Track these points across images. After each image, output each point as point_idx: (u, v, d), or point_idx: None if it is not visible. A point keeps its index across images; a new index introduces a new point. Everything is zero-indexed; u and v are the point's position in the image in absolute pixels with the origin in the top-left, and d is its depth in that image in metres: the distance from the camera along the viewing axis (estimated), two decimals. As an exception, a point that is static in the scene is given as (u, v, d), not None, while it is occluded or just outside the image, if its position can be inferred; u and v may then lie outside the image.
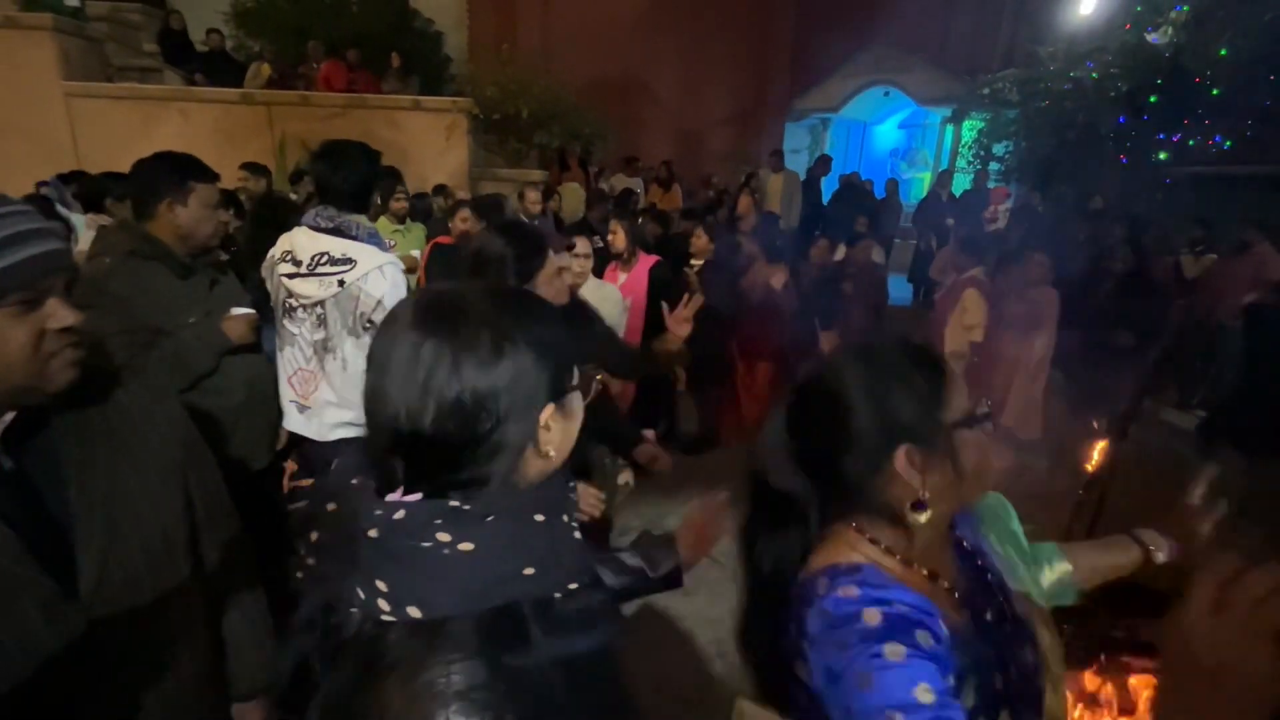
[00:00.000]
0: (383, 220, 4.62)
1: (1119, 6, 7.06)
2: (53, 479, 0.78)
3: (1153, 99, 6.64)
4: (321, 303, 1.88)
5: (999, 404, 4.03)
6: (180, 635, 0.92)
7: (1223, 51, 6.18)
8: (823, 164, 8.86)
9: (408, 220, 4.70)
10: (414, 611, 0.56)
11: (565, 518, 0.65)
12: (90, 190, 4.06)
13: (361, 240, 1.87)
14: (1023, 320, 3.78)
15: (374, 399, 0.59)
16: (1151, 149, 6.75)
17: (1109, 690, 2.02)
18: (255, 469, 2.03)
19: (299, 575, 0.64)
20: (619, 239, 3.06)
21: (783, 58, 11.36)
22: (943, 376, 0.76)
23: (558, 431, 0.63)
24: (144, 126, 6.30)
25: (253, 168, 4.93)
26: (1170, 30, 6.50)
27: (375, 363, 0.60)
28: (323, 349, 1.94)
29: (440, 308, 0.60)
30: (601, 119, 8.58)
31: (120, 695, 0.84)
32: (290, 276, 1.90)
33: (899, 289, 7.50)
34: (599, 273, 3.07)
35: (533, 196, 4.78)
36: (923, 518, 0.73)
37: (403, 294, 1.91)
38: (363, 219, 1.92)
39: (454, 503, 0.58)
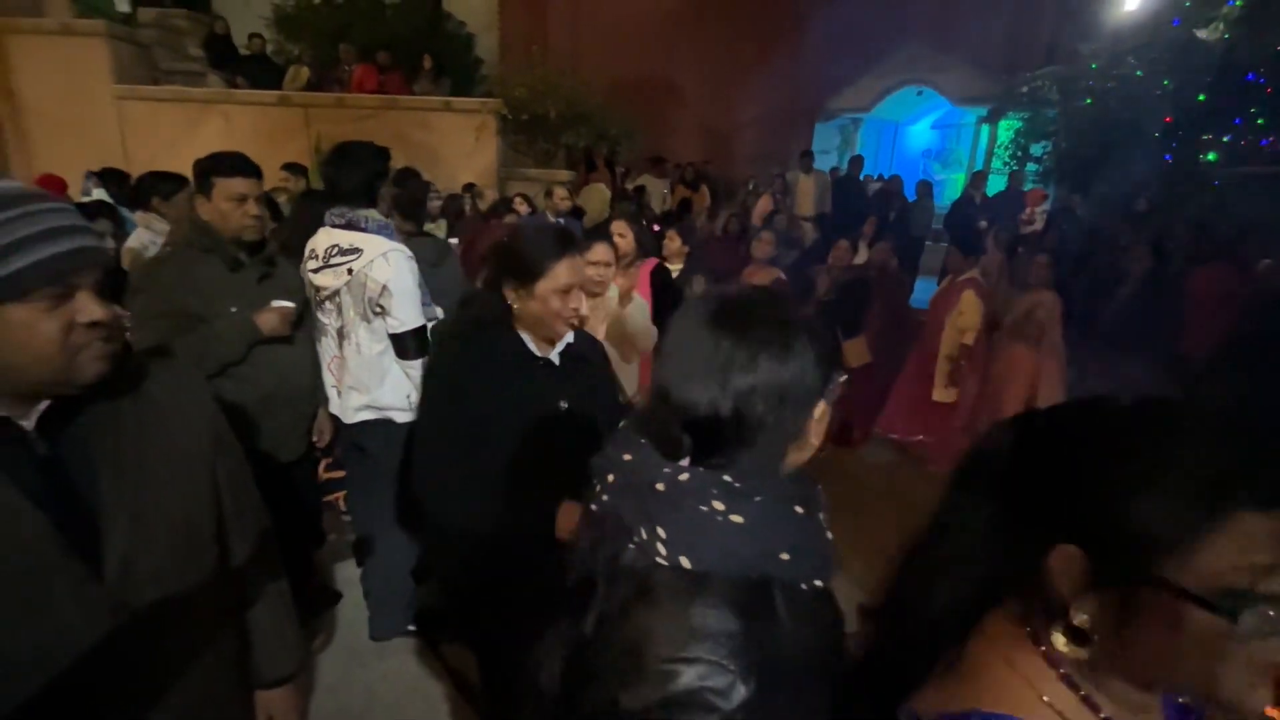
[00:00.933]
0: (412, 219, 4.72)
1: (1166, 3, 6.80)
2: (84, 466, 0.80)
3: (1201, 97, 6.37)
4: (337, 292, 2.05)
5: (1001, 414, 4.03)
6: (207, 624, 0.94)
7: (1278, 48, 5.91)
8: (855, 164, 8.74)
9: (438, 219, 4.79)
10: (685, 561, 0.64)
11: (820, 515, 0.72)
12: (139, 189, 4.22)
13: (370, 232, 2.00)
14: (1023, 324, 3.77)
15: (673, 386, 0.68)
16: (1199, 149, 6.47)
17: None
18: (285, 460, 2.10)
19: (592, 508, 0.74)
20: (626, 241, 2.84)
21: (814, 56, 11.23)
22: None
23: (822, 426, 0.72)
24: (188, 128, 6.53)
25: (292, 168, 5.08)
26: (1221, 26, 6.24)
27: (671, 355, 0.70)
28: (341, 335, 2.10)
29: (735, 308, 0.69)
30: (629, 119, 8.61)
31: (147, 682, 0.85)
32: (314, 271, 2.07)
33: (929, 291, 7.34)
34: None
35: (561, 193, 4.85)
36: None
37: (409, 279, 2.00)
38: (372, 213, 2.04)
39: (727, 477, 0.66)
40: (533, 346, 1.41)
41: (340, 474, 2.80)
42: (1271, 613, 0.45)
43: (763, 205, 7.31)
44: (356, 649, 2.37)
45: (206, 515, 0.93)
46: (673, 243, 3.65)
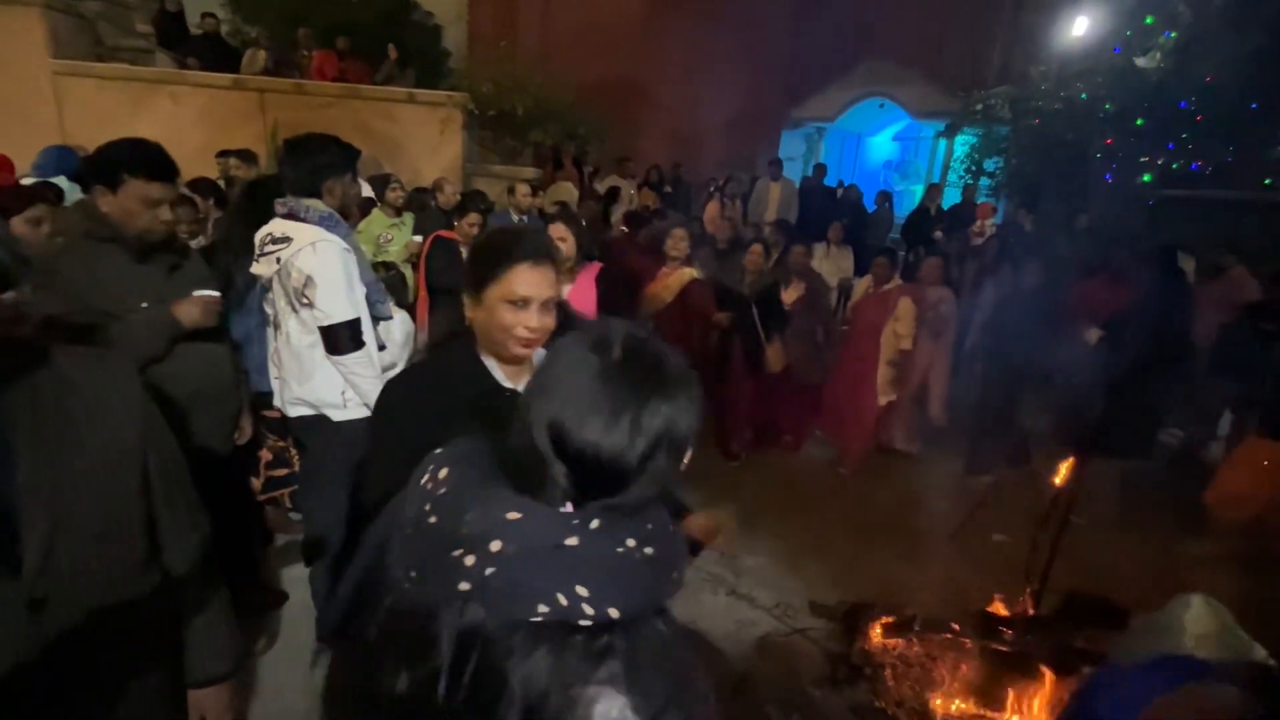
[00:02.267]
0: (377, 213, 4.62)
1: (1109, 31, 7.18)
2: (3, 459, 0.77)
3: (1139, 122, 6.75)
4: (270, 281, 2.03)
5: (925, 398, 4.46)
6: (135, 619, 0.92)
7: (1207, 79, 6.30)
8: (818, 172, 8.93)
9: (404, 213, 4.70)
10: (613, 612, 0.62)
11: (679, 529, 0.74)
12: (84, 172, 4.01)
13: (309, 222, 1.98)
14: (930, 317, 4.22)
15: (572, 427, 0.64)
16: (1136, 170, 6.86)
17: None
18: (217, 457, 2.08)
19: (464, 587, 0.63)
20: (567, 246, 2.66)
21: (780, 65, 11.45)
22: None
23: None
24: (132, 108, 6.23)
25: (243, 155, 4.91)
26: (1158, 56, 6.62)
27: (568, 395, 0.65)
28: (274, 325, 2.09)
29: (643, 352, 0.67)
30: (598, 120, 8.60)
31: (71, 679, 0.83)
32: (255, 260, 2.05)
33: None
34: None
35: (523, 190, 4.80)
36: None
37: (336, 274, 1.97)
38: (316, 203, 2.01)
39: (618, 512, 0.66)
40: (498, 374, 1.21)
41: (284, 471, 2.74)
42: None
43: (710, 211, 7.41)
44: (303, 650, 2.32)
45: (134, 508, 0.91)
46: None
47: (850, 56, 11.22)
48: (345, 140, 2.15)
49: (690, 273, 3.72)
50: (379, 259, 4.21)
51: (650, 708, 0.59)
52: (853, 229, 7.24)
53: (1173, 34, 6.58)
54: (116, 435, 0.89)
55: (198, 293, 1.88)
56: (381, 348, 2.19)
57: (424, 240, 3.98)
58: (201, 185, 4.11)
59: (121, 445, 0.90)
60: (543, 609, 0.60)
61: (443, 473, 0.69)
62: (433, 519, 0.66)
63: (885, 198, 8.64)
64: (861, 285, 4.69)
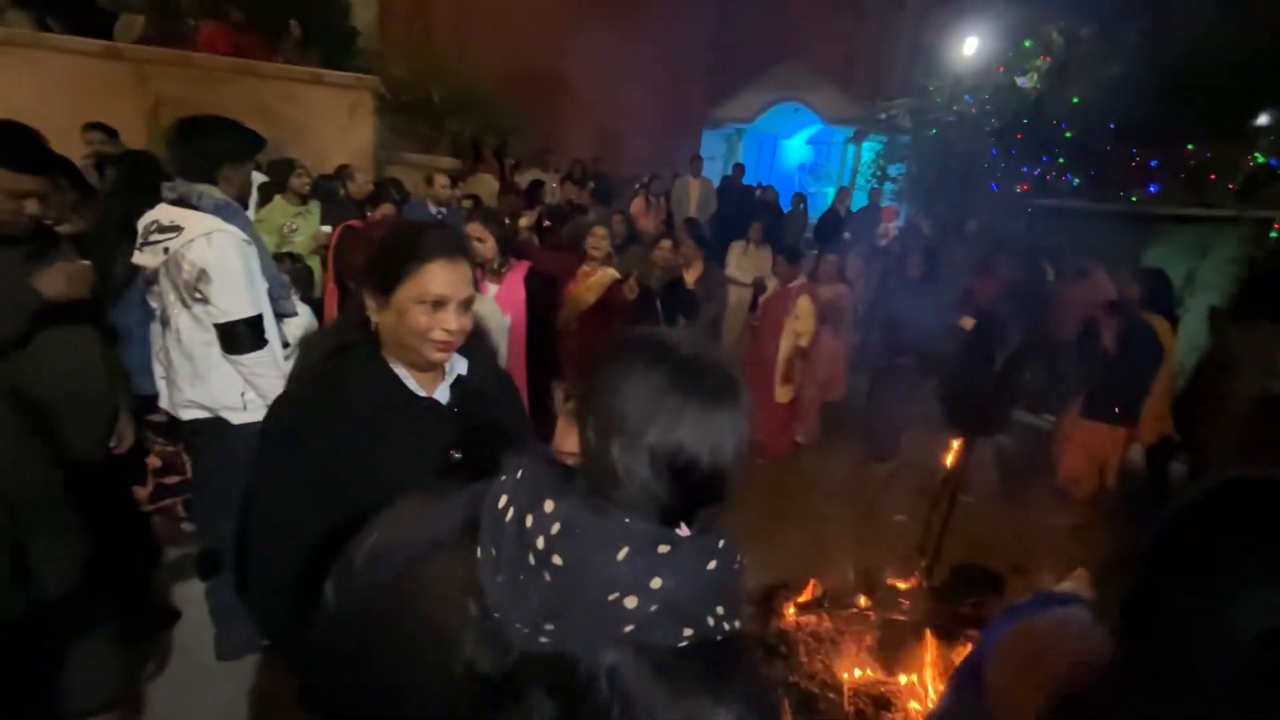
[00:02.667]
0: (280, 200, 4.32)
1: (995, 51, 7.85)
2: None
3: (1019, 136, 7.43)
4: (156, 273, 1.89)
5: (827, 384, 4.77)
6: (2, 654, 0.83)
7: (1075, 100, 7.04)
8: (737, 172, 9.20)
9: (309, 201, 4.42)
10: (739, 623, 0.65)
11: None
12: None
13: (203, 210, 1.85)
14: (828, 311, 4.53)
15: (670, 447, 0.62)
16: (1017, 181, 7.56)
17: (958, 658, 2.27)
18: (91, 467, 1.88)
19: (629, 629, 0.62)
20: (486, 246, 2.54)
21: (701, 65, 11.68)
22: None
23: None
24: (-19, 73, 5.48)
25: (103, 129, 4.43)
26: (1035, 77, 7.31)
27: (648, 415, 0.63)
28: (162, 321, 1.94)
29: (703, 359, 0.66)
30: (520, 112, 8.43)
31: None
32: (137, 249, 1.90)
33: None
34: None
35: (441, 181, 4.65)
36: None
37: (233, 264, 1.85)
38: (212, 189, 1.89)
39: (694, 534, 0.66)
40: (411, 383, 1.12)
41: (175, 478, 2.53)
42: None
43: (636, 207, 7.50)
44: (200, 670, 2.16)
45: None
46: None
47: (767, 60, 11.60)
48: (242, 122, 2.01)
49: (612, 273, 3.60)
50: (283, 250, 3.95)
51: (760, 711, 0.63)
52: (769, 229, 7.53)
53: (1048, 58, 7.29)
54: None
55: (65, 263, 1.68)
56: (286, 345, 2.07)
57: (333, 231, 3.77)
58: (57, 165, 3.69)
59: None
60: (688, 633, 0.62)
61: (547, 505, 0.62)
62: (557, 559, 0.59)
63: (800, 199, 9.03)
64: (772, 283, 4.92)
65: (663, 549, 0.61)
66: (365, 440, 1.06)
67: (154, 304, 1.96)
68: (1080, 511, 3.78)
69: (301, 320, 2.30)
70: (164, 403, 2.03)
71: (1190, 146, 6.17)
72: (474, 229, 2.56)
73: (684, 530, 0.65)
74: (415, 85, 7.03)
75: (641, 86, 11.25)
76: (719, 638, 0.64)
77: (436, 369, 1.15)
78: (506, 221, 3.57)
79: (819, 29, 11.36)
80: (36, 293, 1.59)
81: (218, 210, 1.86)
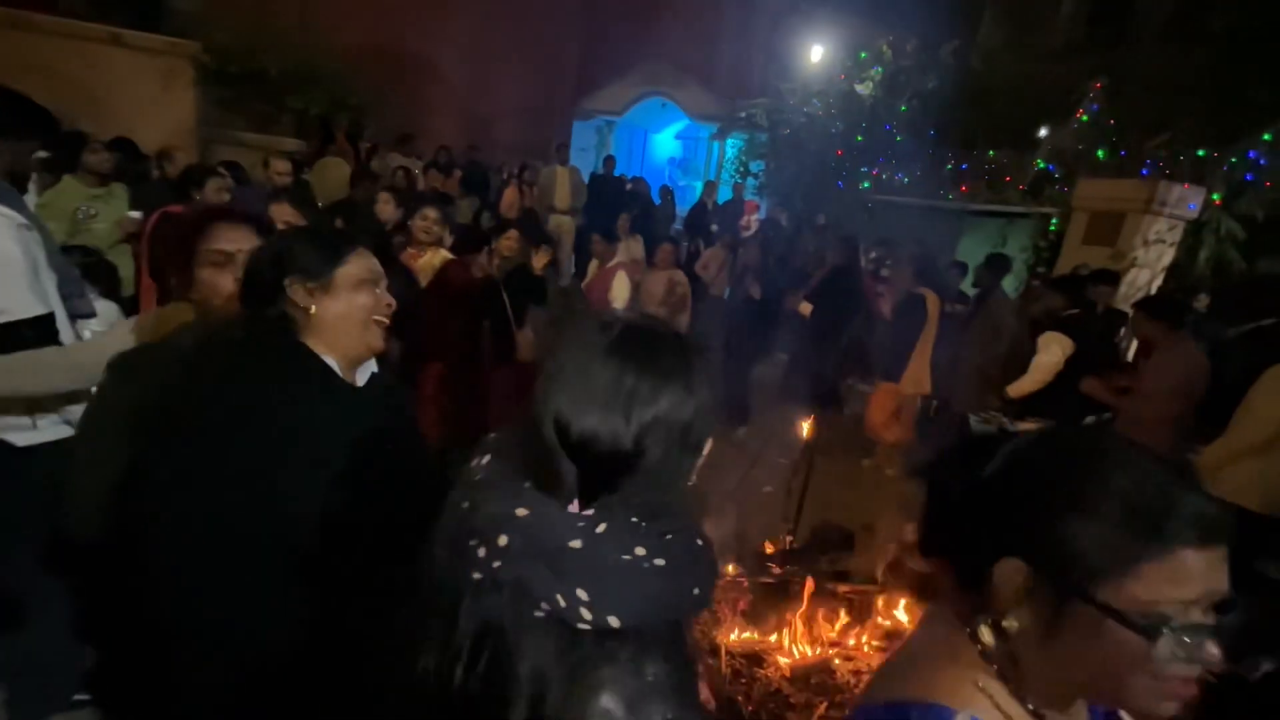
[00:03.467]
0: (71, 180, 3.66)
1: (837, 59, 8.60)
2: None
3: (859, 138, 8.22)
4: None
5: None
6: None
7: (904, 108, 7.92)
8: (608, 164, 9.27)
9: (110, 182, 3.79)
10: (613, 619, 0.60)
11: (710, 546, 0.70)
12: None
13: None
14: (666, 298, 4.68)
15: (571, 416, 0.62)
16: (859, 179, 8.37)
17: (836, 613, 2.49)
18: None
19: (476, 577, 0.63)
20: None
21: (571, 54, 11.59)
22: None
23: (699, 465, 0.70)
24: None
25: None
26: (871, 85, 8.12)
27: (567, 383, 0.63)
28: None
29: (640, 337, 0.65)
30: (375, 92, 7.84)
31: None
32: None
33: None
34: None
35: (280, 167, 4.20)
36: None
37: (13, 257, 1.57)
38: None
39: (635, 519, 0.63)
40: (338, 369, 1.11)
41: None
42: (1187, 639, 0.50)
43: (509, 197, 7.34)
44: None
45: None
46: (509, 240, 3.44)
47: (636, 55, 11.78)
48: (15, 87, 1.68)
49: (444, 254, 3.38)
50: (73, 241, 3.36)
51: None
52: (641, 220, 7.68)
53: (880, 69, 8.12)
54: None
55: None
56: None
57: (146, 218, 3.27)
58: None
59: None
60: (545, 606, 0.61)
61: (484, 459, 0.69)
62: (465, 504, 0.66)
63: (667, 192, 9.31)
64: (593, 265, 5.00)
65: (520, 511, 0.63)
66: (306, 436, 1.05)
67: None
68: (896, 461, 4.38)
69: (104, 320, 1.99)
70: None
71: (991, 153, 7.19)
72: (281, 210, 2.49)
73: (573, 507, 0.65)
74: (246, 55, 6.27)
75: (509, 73, 10.94)
76: (583, 626, 0.60)
77: (364, 360, 1.17)
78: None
79: (683, 27, 11.73)
80: None
81: None
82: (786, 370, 5.35)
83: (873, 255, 5.81)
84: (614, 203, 7.80)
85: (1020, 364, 3.84)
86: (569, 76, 11.79)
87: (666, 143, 14.73)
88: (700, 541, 0.68)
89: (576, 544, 0.61)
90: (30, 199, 3.23)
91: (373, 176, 6.22)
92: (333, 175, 5.67)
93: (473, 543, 0.63)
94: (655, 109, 12.83)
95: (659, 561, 0.62)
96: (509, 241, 3.78)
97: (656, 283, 4.62)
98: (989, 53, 7.78)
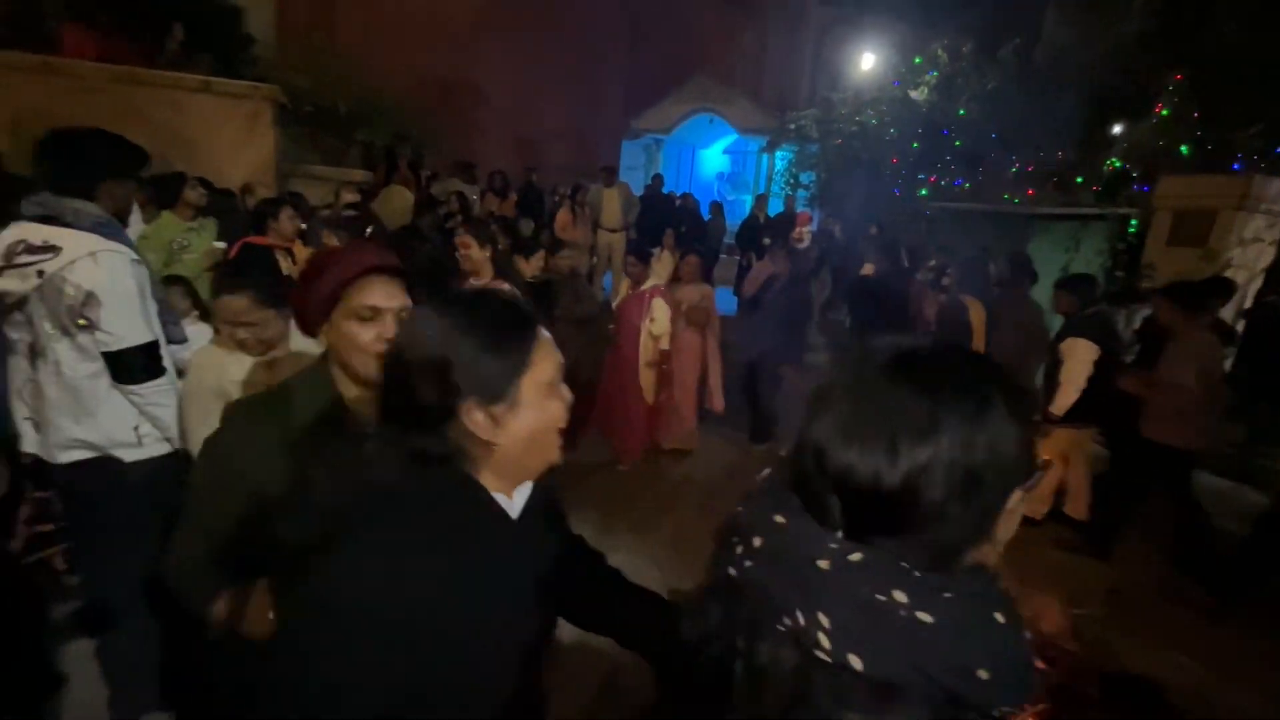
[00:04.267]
0: (169, 216, 3.98)
1: (890, 66, 8.42)
2: None
3: (915, 145, 8.00)
4: (25, 300, 1.67)
5: (693, 387, 4.66)
6: None
7: (961, 111, 7.65)
8: (656, 182, 9.36)
9: (199, 217, 4.09)
10: (855, 660, 0.54)
11: (1026, 632, 0.57)
12: None
13: (79, 228, 1.67)
14: (694, 312, 4.47)
15: (828, 444, 0.56)
16: (915, 186, 8.12)
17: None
18: None
19: (729, 573, 0.62)
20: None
21: (618, 77, 11.83)
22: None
23: (1013, 520, 0.58)
24: None
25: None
26: (925, 90, 7.90)
27: (830, 406, 0.58)
28: (35, 354, 1.73)
29: (920, 360, 0.57)
30: (433, 121, 8.22)
31: None
32: None
33: (724, 301, 8.18)
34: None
35: (349, 197, 4.43)
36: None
37: (127, 290, 1.71)
38: (89, 206, 1.71)
39: (906, 564, 0.55)
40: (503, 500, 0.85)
41: (50, 527, 2.28)
42: None
43: (562, 217, 7.49)
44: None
45: None
46: (468, 249, 3.07)
47: (682, 73, 11.91)
48: (121, 133, 1.84)
49: (502, 286, 3.19)
50: (170, 271, 3.62)
51: None
52: (691, 235, 7.70)
53: (934, 73, 7.90)
54: None
55: None
56: (180, 374, 1.91)
57: (229, 248, 3.51)
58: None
59: None
60: (786, 621, 0.57)
61: (769, 471, 0.69)
62: (740, 506, 0.66)
63: (718, 207, 9.30)
64: (624, 284, 4.69)
65: (777, 518, 0.62)
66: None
67: (14, 335, 1.73)
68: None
69: (195, 345, 2.13)
70: (30, 446, 1.79)
71: (1059, 153, 6.85)
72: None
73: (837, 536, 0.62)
74: (319, 94, 6.70)
75: (559, 97, 11.26)
76: (820, 654, 0.56)
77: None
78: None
79: (729, 43, 11.79)
80: None
81: (97, 227, 1.68)
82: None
83: (931, 264, 5.60)
84: (663, 220, 7.85)
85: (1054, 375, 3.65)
86: (616, 97, 12.02)
87: (715, 158, 14.75)
88: (1001, 618, 0.54)
89: (824, 564, 0.56)
90: (132, 232, 3.53)
91: (434, 203, 6.49)
92: (397, 203, 5.95)
93: (734, 539, 0.64)
94: (703, 125, 12.89)
95: (924, 616, 0.53)
96: (538, 262, 3.66)
97: (688, 296, 4.45)
98: (1054, 48, 7.44)
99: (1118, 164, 6.25)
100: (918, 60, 8.06)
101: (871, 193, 8.30)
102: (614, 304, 4.60)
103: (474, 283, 3.02)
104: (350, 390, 1.08)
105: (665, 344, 4.18)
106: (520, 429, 0.78)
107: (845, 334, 4.77)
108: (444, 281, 3.20)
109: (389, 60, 8.42)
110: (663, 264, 6.68)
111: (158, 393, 1.76)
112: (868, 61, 9.22)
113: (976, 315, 4.07)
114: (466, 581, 0.75)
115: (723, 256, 9.22)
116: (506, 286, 2.90)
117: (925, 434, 0.53)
